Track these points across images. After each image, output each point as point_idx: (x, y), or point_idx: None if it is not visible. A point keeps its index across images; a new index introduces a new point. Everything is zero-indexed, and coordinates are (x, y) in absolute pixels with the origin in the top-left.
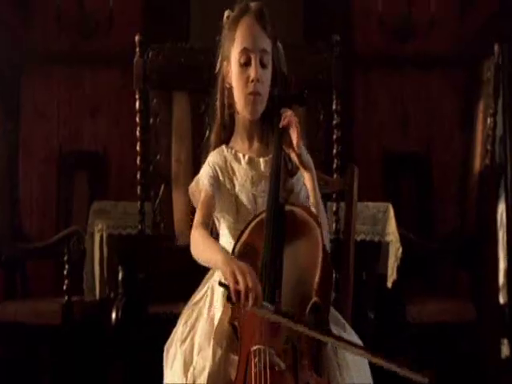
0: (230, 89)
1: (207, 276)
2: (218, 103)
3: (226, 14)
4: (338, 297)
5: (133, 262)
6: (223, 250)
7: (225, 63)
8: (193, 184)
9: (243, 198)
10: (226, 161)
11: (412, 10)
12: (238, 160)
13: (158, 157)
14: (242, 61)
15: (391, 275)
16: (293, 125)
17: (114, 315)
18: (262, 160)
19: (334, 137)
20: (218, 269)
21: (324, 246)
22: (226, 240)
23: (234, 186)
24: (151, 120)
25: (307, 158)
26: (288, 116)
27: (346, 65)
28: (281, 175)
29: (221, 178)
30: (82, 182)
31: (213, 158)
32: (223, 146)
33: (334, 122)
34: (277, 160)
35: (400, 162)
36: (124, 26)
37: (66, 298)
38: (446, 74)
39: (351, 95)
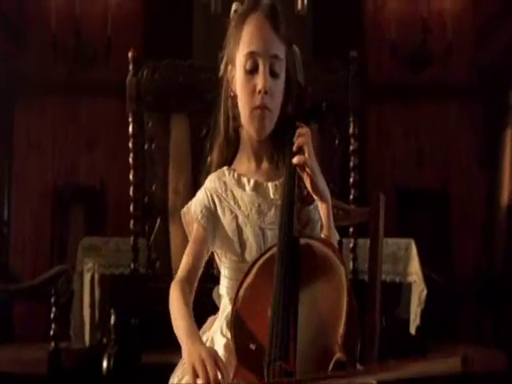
0: (235, 98)
1: (206, 325)
2: (221, 114)
3: (234, 6)
4: (361, 348)
5: (126, 304)
6: (191, 329)
7: (229, 67)
8: (185, 209)
9: (248, 231)
10: (226, 187)
11: (427, 36)
12: (241, 185)
13: (154, 187)
14: (248, 67)
15: (414, 320)
16: (309, 146)
17: (105, 364)
18: (271, 185)
19: (351, 164)
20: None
21: (350, 288)
22: (228, 283)
23: (236, 217)
24: (146, 145)
25: (323, 185)
26: (304, 134)
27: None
28: (295, 203)
29: (219, 208)
30: (77, 218)
31: (209, 183)
32: (224, 168)
33: (351, 148)
34: (290, 184)
35: (415, 197)
36: (123, 53)
37: (53, 344)
38: (463, 104)
39: (363, 127)
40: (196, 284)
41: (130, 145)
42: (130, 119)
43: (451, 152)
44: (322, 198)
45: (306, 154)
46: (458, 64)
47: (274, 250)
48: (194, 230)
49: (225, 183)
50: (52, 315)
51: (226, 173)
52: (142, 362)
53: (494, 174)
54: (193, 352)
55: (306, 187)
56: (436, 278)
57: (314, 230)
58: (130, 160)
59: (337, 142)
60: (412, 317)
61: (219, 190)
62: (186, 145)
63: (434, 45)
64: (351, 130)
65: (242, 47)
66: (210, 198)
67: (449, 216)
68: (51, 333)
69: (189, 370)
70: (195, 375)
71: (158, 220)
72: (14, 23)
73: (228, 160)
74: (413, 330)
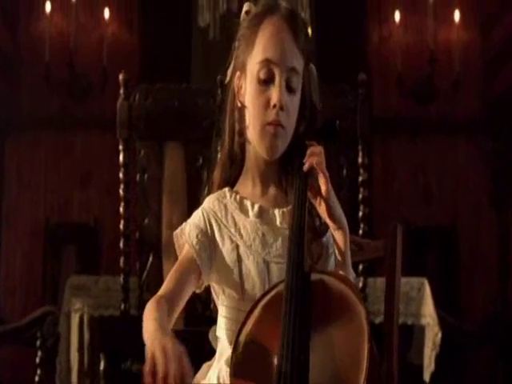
0: (242, 109)
1: (200, 373)
2: (226, 127)
3: (246, 7)
4: None
5: (116, 349)
6: (161, 324)
7: (238, 73)
8: (178, 231)
9: (250, 264)
10: (226, 211)
11: (434, 68)
12: (244, 210)
13: (146, 221)
14: (262, 76)
15: (428, 366)
16: (322, 166)
17: None
18: (277, 212)
19: (360, 196)
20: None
21: (370, 333)
22: (227, 324)
23: (236, 246)
24: (138, 176)
25: (340, 212)
26: (317, 153)
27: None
28: (306, 233)
29: (217, 235)
30: (70, 258)
31: (208, 205)
32: (226, 189)
33: (361, 179)
34: (300, 211)
35: (423, 236)
36: (119, 84)
37: None
38: (472, 138)
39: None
40: (176, 310)
41: (121, 175)
42: (121, 147)
43: (460, 187)
44: (339, 228)
45: (320, 175)
46: (466, 96)
47: (281, 287)
48: (183, 251)
49: (225, 207)
50: (37, 359)
51: (228, 194)
52: None
53: (505, 210)
54: (156, 339)
55: (318, 215)
56: (450, 321)
57: (327, 265)
58: (121, 191)
59: (345, 172)
60: (426, 362)
61: (219, 214)
62: (181, 175)
63: (442, 77)
64: (360, 160)
65: (256, 52)
66: (207, 222)
67: (458, 254)
68: (36, 378)
69: (147, 359)
70: (152, 366)
71: (151, 257)
72: (6, 55)
73: (231, 180)
74: (427, 377)
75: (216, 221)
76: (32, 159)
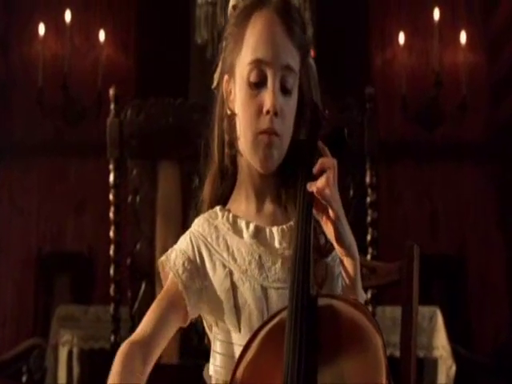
0: (232, 118)
1: None
2: (214, 138)
3: (233, 1)
4: None
5: None
6: (125, 377)
7: (226, 77)
8: (163, 259)
9: (246, 291)
10: (217, 234)
11: (440, 91)
12: (237, 231)
13: (138, 246)
14: (253, 79)
15: None
16: (334, 181)
17: None
18: (276, 230)
19: (369, 219)
20: None
21: (388, 367)
22: (221, 361)
23: (230, 273)
24: (130, 197)
25: (350, 237)
26: (329, 166)
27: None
28: (311, 252)
29: (207, 263)
30: (63, 288)
31: (197, 228)
32: (217, 209)
33: (369, 200)
34: (305, 227)
35: (429, 265)
36: None
37: None
38: (479, 164)
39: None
40: (155, 353)
41: (111, 197)
42: (111, 166)
43: (467, 213)
44: (348, 251)
45: (329, 192)
46: (473, 120)
47: (283, 315)
48: (168, 282)
49: (216, 228)
50: None
51: (219, 214)
52: None
53: None
54: None
55: (323, 233)
56: (461, 352)
57: (333, 289)
58: (111, 215)
59: (351, 193)
60: None
61: (209, 239)
62: (176, 196)
63: (448, 100)
64: (368, 179)
65: (244, 52)
66: (195, 249)
67: (466, 283)
68: None
69: None
70: None
71: (143, 284)
72: None
73: (223, 197)
74: None
75: (206, 246)
76: (24, 186)
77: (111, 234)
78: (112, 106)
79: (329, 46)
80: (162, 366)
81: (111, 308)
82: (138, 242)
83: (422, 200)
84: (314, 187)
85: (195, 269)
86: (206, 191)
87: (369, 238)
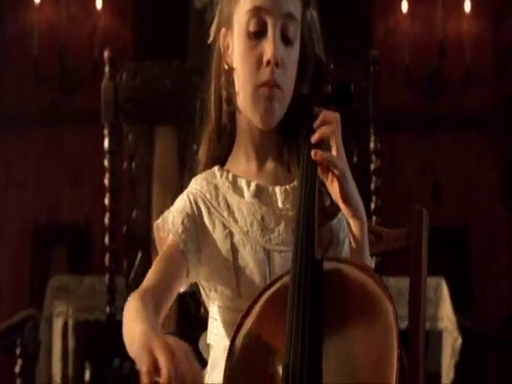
0: (230, 72)
1: None
2: (211, 95)
3: None
4: None
5: (102, 357)
6: (151, 319)
7: (223, 30)
8: (159, 221)
9: (248, 254)
10: (217, 192)
11: (443, 61)
12: (238, 190)
13: (134, 213)
14: (252, 28)
15: (447, 375)
16: (337, 137)
17: None
18: (278, 190)
19: (373, 186)
20: (134, 351)
21: (400, 338)
22: (220, 328)
23: (230, 234)
24: (125, 163)
25: (356, 195)
26: (331, 120)
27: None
28: (315, 214)
29: (207, 221)
30: (60, 260)
31: (194, 186)
32: (215, 168)
33: (373, 167)
34: (309, 187)
35: (432, 235)
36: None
37: None
38: (484, 134)
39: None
40: (164, 308)
41: (106, 163)
42: (106, 131)
43: (471, 185)
44: (355, 216)
45: (334, 149)
46: (477, 90)
47: (286, 279)
48: (168, 241)
49: (215, 187)
50: (17, 369)
51: (218, 174)
52: None
53: None
54: (152, 338)
55: (328, 194)
56: (467, 325)
57: (339, 255)
58: (106, 181)
59: (355, 159)
60: (444, 370)
61: (208, 196)
62: (174, 163)
63: (451, 69)
64: (372, 145)
65: (243, 1)
66: (194, 205)
67: (469, 255)
68: None
69: (142, 360)
70: (150, 370)
71: (140, 253)
72: None
73: (221, 157)
74: None
75: (205, 203)
76: (20, 158)
77: (106, 201)
78: (107, 69)
79: (330, 14)
80: None
81: (106, 278)
82: (134, 210)
83: (425, 171)
84: (316, 154)
85: (194, 226)
86: (203, 152)
87: (373, 206)
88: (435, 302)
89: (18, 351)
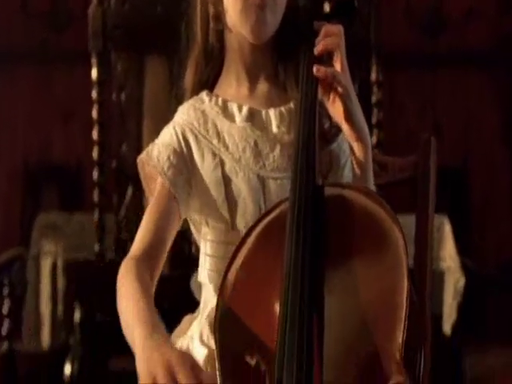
0: None
1: (180, 327)
2: (196, 13)
3: None
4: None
5: (91, 298)
6: (149, 315)
7: None
8: (143, 156)
9: (240, 182)
10: (205, 119)
11: None
12: (228, 114)
13: (124, 147)
14: None
15: (449, 316)
16: (339, 51)
17: (67, 370)
18: (273, 113)
19: (374, 119)
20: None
21: (410, 270)
22: (212, 264)
23: (221, 162)
24: (114, 95)
25: (360, 116)
26: (334, 33)
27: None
28: (316, 136)
29: (195, 151)
30: (51, 201)
31: (181, 116)
32: (203, 94)
33: (374, 99)
34: (310, 107)
35: None
36: None
37: (7, 345)
38: (485, 73)
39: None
40: (160, 267)
41: (94, 94)
42: (94, 60)
43: (472, 125)
44: (359, 138)
45: (338, 65)
46: (479, 28)
47: (284, 207)
48: (157, 186)
49: (203, 113)
50: (5, 310)
51: (206, 99)
52: (111, 368)
53: None
54: (153, 354)
55: (328, 116)
56: (469, 265)
57: (339, 180)
58: (94, 113)
59: (356, 89)
60: (446, 311)
61: (195, 123)
62: (165, 95)
63: (452, 5)
64: (374, 76)
65: None
66: (181, 138)
67: (469, 197)
68: (4, 332)
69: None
70: None
71: (130, 189)
72: None
73: (209, 82)
74: (447, 328)
75: (192, 132)
76: (9, 97)
77: (94, 134)
78: None
79: None
80: None
81: (95, 215)
82: (124, 144)
83: (425, 110)
84: (322, 71)
85: (183, 162)
86: (189, 77)
87: (374, 139)
88: (437, 242)
89: (5, 292)
